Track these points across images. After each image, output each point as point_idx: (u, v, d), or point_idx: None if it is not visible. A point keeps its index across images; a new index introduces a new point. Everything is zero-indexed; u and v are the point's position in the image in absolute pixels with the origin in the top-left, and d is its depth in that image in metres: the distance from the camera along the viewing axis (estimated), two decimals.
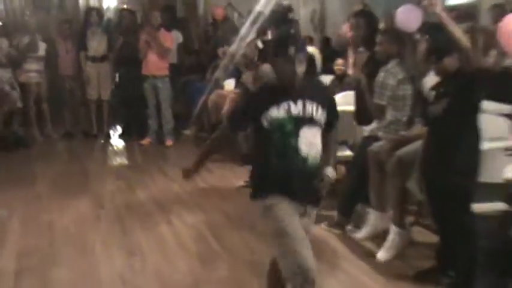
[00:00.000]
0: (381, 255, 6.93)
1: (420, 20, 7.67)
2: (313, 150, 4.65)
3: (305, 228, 4.75)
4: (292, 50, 4.58)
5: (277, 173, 4.67)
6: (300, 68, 4.65)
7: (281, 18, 8.43)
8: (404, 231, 6.96)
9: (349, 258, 7.01)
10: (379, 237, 7.28)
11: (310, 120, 4.64)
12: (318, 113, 4.67)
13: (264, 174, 4.76)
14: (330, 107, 4.85)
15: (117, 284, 6.55)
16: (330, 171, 4.88)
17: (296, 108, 4.61)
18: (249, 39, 10.23)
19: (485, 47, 8.40)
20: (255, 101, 4.89)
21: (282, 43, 4.73)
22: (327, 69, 11.50)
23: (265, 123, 4.64)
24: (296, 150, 4.60)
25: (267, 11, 9.76)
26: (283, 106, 4.61)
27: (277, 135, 4.62)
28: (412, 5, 8.22)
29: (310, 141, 4.62)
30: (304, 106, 4.63)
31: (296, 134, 4.60)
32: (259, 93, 5.11)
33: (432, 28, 5.95)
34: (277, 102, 4.62)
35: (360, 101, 7.68)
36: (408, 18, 7.88)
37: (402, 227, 6.94)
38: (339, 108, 8.56)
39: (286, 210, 4.66)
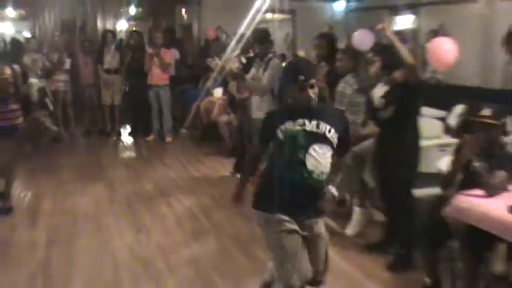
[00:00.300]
0: (348, 231, 7.03)
1: (372, 41, 7.69)
2: (320, 167, 4.20)
3: (312, 239, 4.44)
4: (302, 76, 4.14)
5: (282, 183, 4.22)
6: (313, 92, 4.21)
7: (264, 37, 8.40)
8: (366, 210, 7.05)
9: None
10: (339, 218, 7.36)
11: (322, 138, 4.20)
12: (330, 132, 4.21)
13: (270, 185, 4.29)
14: (344, 133, 4.38)
15: (127, 254, 6.59)
16: (333, 190, 4.48)
17: (310, 125, 4.19)
18: (234, 54, 10.24)
19: (423, 63, 8.42)
20: (273, 117, 4.43)
21: (292, 71, 4.32)
22: None
23: (280, 134, 4.23)
24: (303, 163, 4.16)
25: (248, 33, 9.74)
26: (298, 122, 4.20)
27: (288, 146, 4.21)
28: (366, 29, 8.24)
29: (318, 158, 4.18)
30: (318, 124, 4.20)
31: (306, 148, 4.17)
32: (277, 110, 4.64)
33: (385, 48, 6.00)
34: (293, 118, 4.22)
35: None
36: (363, 39, 7.90)
37: (364, 207, 7.02)
38: None
39: (285, 226, 4.27)
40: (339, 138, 4.30)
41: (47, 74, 12.75)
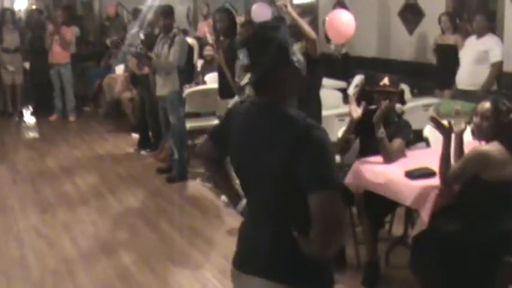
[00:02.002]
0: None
1: (270, 14, 7.74)
2: None
3: None
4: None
5: None
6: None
7: (169, 11, 8.27)
8: None
9: (228, 212, 6.81)
10: None
11: None
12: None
13: None
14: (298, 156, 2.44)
15: (33, 235, 6.49)
16: None
17: None
18: (133, 31, 10.16)
19: (326, 37, 8.52)
20: None
21: None
22: (200, 56, 11.53)
23: None
24: None
25: (151, 11, 9.66)
26: None
27: None
28: (263, 2, 8.29)
29: None
30: None
31: None
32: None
33: (282, 22, 6.06)
34: None
35: (222, 80, 7.69)
36: (261, 12, 7.94)
37: None
38: (208, 87, 8.58)
39: None
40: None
41: None
